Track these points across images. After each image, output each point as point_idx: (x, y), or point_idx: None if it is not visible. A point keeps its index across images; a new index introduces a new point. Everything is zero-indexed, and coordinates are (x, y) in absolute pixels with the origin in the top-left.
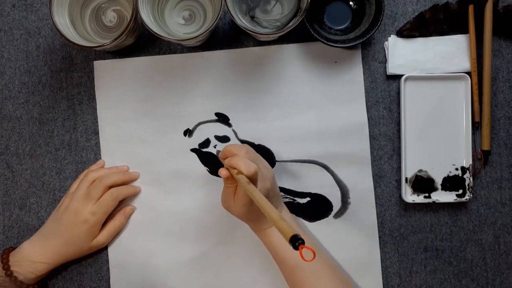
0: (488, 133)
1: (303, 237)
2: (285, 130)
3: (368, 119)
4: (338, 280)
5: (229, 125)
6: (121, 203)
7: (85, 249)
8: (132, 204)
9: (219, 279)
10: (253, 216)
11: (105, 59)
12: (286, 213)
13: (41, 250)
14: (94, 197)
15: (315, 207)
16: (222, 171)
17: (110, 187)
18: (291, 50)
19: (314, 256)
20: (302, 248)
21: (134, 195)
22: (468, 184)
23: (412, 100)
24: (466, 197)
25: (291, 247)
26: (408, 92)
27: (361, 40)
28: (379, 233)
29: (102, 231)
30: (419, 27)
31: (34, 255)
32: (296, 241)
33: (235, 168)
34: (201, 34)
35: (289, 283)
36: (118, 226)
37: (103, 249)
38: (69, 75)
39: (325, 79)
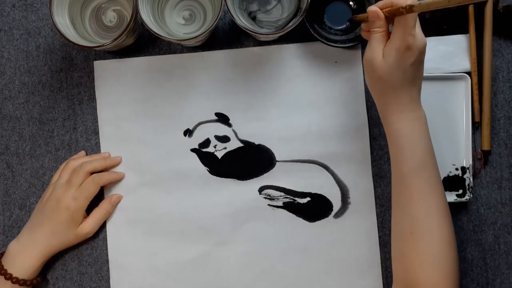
0: (488, 133)
1: None
2: (285, 130)
3: (368, 119)
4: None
5: (229, 125)
6: (106, 190)
7: (72, 238)
8: (131, 203)
9: (219, 279)
10: (397, 74)
11: (105, 59)
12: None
13: (29, 244)
14: (76, 184)
15: (315, 207)
16: (372, 7)
17: (92, 173)
18: (291, 50)
19: None
20: None
21: (117, 180)
22: (468, 184)
23: None
24: (466, 197)
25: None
26: None
27: (361, 40)
28: (379, 233)
29: (87, 219)
30: None
31: (24, 251)
32: None
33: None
34: (201, 34)
35: (398, 186)
36: (104, 214)
37: (103, 249)
38: (69, 75)
39: (325, 79)
